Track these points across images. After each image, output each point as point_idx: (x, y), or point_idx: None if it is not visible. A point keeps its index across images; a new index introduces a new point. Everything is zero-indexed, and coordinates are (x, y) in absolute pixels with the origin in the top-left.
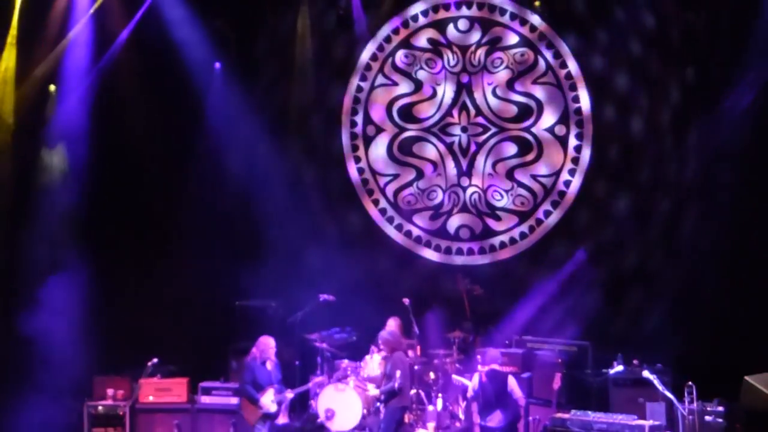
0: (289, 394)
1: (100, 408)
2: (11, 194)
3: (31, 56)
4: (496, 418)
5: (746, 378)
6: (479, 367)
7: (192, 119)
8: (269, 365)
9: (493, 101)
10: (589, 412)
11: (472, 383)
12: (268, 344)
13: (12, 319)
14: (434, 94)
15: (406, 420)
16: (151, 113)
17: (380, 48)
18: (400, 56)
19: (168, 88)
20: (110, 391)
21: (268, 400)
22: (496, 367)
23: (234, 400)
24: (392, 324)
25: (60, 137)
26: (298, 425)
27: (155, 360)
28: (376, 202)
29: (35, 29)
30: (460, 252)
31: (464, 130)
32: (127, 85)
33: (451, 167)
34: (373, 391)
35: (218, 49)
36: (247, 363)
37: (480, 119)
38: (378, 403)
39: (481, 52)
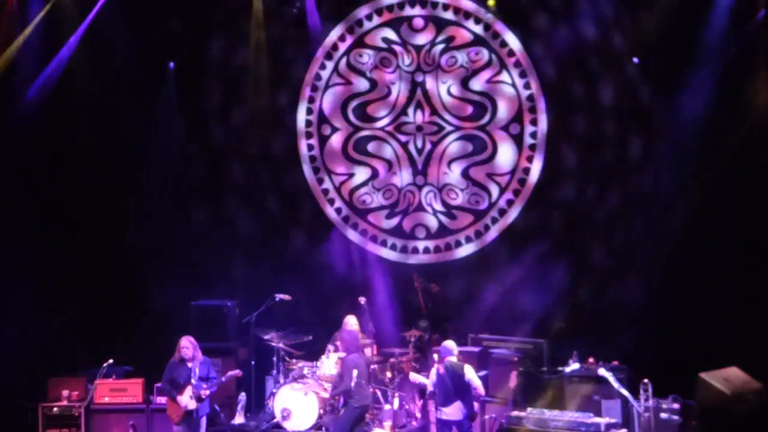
0: (205, 392)
1: (55, 409)
2: None
3: None
4: (455, 409)
5: (701, 375)
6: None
7: (143, 120)
8: (190, 364)
9: (447, 100)
10: (545, 410)
11: (429, 378)
12: (182, 344)
13: None
14: (389, 93)
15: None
16: (101, 116)
17: (334, 47)
18: (354, 55)
19: (119, 91)
20: (65, 392)
21: (187, 397)
22: (452, 359)
23: None
24: (350, 322)
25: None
26: (253, 425)
27: (110, 360)
28: (331, 202)
29: None
30: (416, 251)
31: (419, 129)
32: (78, 86)
33: (406, 166)
34: (323, 393)
35: (172, 48)
36: (169, 362)
37: (435, 118)
38: (332, 403)
39: (435, 51)
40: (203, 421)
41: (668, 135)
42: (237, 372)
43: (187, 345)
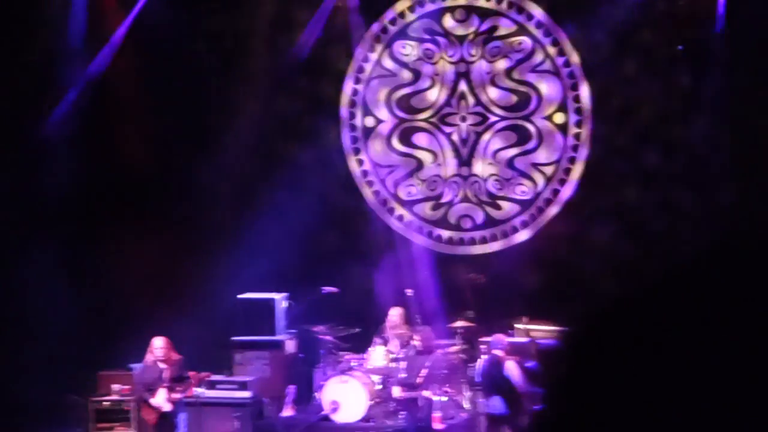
0: (176, 393)
1: (105, 403)
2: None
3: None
4: (497, 403)
5: None
6: (482, 356)
7: (191, 114)
8: (162, 365)
9: (491, 90)
10: None
11: (476, 371)
12: (155, 344)
13: (12, 316)
14: (432, 85)
15: None
16: (149, 110)
17: (377, 39)
18: (397, 47)
19: (165, 84)
20: (115, 386)
21: (161, 398)
22: (497, 353)
23: (240, 394)
24: (395, 314)
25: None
26: (302, 418)
27: None
28: (377, 194)
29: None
30: (461, 242)
31: (463, 119)
32: (123, 85)
33: (451, 157)
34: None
35: (215, 43)
36: (142, 364)
37: (479, 108)
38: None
39: (478, 41)
40: (180, 421)
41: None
42: (206, 374)
43: (161, 346)
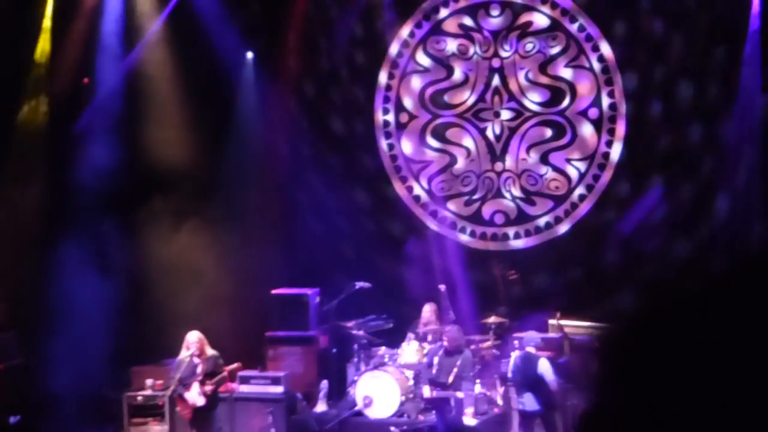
0: (209, 387)
1: (139, 398)
2: (46, 187)
3: (65, 48)
4: (530, 400)
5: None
6: (514, 351)
7: (224, 110)
8: (197, 359)
9: (525, 85)
10: None
11: (509, 367)
12: (188, 339)
13: (46, 310)
14: (466, 80)
15: None
16: (183, 105)
17: (411, 34)
18: (431, 42)
19: (200, 79)
20: (149, 381)
21: (195, 394)
22: (530, 350)
23: (273, 389)
24: (428, 310)
25: (94, 130)
26: (335, 413)
27: None
28: (410, 189)
29: (68, 21)
30: (495, 237)
31: (497, 115)
32: (159, 76)
33: (484, 153)
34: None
35: (249, 39)
36: (176, 359)
37: (513, 104)
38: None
39: (512, 37)
40: (215, 416)
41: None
42: (237, 365)
43: (195, 340)
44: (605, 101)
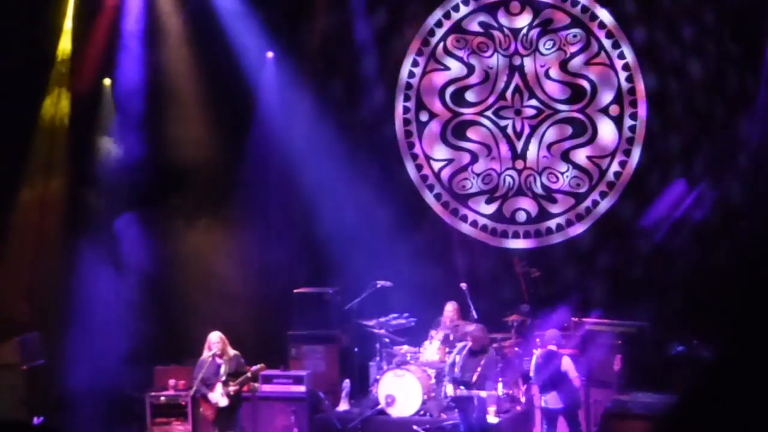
0: (233, 387)
1: (162, 398)
2: (68, 187)
3: (86, 47)
4: (553, 398)
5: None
6: (536, 349)
7: (245, 108)
8: (220, 360)
9: (546, 83)
10: (651, 394)
11: (530, 365)
12: (210, 339)
13: (68, 311)
14: (487, 78)
15: None
16: (203, 104)
17: (431, 33)
18: (451, 41)
19: (220, 78)
20: (171, 381)
21: (218, 394)
22: (552, 347)
23: (295, 388)
24: (450, 308)
25: (115, 129)
26: (357, 411)
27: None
28: (431, 188)
29: (89, 21)
30: (516, 235)
31: (518, 113)
32: (179, 75)
33: (505, 150)
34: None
35: (270, 38)
36: (199, 360)
37: (533, 102)
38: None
39: (533, 34)
40: (238, 416)
41: None
42: (261, 366)
43: (217, 341)
44: (626, 98)
